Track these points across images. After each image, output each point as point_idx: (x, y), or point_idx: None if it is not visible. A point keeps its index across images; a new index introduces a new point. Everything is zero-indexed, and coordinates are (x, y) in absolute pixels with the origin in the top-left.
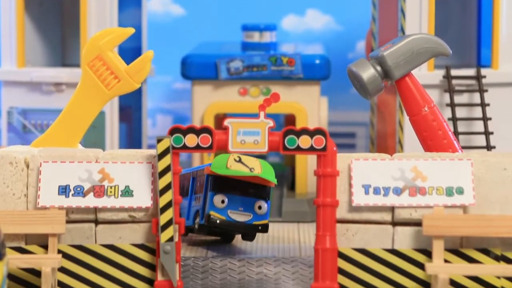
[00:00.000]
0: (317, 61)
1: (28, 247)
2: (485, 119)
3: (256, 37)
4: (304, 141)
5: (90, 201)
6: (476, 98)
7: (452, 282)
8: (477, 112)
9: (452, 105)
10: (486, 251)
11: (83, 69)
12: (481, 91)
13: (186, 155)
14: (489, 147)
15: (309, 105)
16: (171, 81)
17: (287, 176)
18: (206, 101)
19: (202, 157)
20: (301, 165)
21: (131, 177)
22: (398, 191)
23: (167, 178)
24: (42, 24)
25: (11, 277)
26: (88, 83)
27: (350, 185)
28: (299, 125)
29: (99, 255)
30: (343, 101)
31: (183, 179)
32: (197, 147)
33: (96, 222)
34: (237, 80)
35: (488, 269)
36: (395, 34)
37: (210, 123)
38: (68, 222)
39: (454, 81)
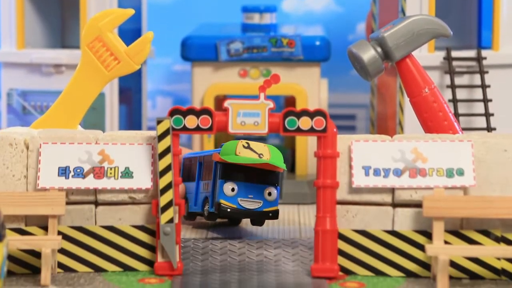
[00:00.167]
0: (317, 43)
1: (28, 229)
2: (485, 100)
3: (256, 19)
4: (304, 123)
5: (90, 182)
6: (477, 79)
7: (452, 263)
8: (478, 93)
9: (453, 86)
10: (486, 233)
11: (82, 51)
12: (482, 72)
13: (186, 137)
14: (489, 128)
15: (309, 87)
16: (171, 63)
17: (287, 158)
18: (206, 83)
19: (202, 139)
20: (301, 147)
21: (131, 159)
22: (398, 173)
23: (167, 159)
24: (41, 6)
25: (11, 258)
26: (87, 65)
27: (350, 167)
28: (299, 107)
29: (99, 237)
30: (343, 83)
31: (190, 163)
32: (197, 129)
33: (96, 203)
34: (237, 62)
35: (488, 250)
36: (396, 15)
37: (210, 104)
38: (68, 203)
39: (454, 63)
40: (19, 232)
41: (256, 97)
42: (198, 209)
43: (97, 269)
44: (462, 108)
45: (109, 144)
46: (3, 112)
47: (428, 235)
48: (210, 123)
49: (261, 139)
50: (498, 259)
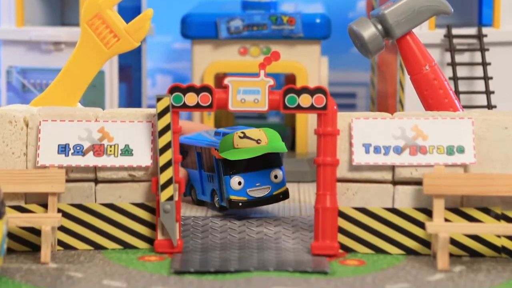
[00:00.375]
0: (318, 20)
1: (28, 206)
2: (486, 78)
3: None
4: (305, 100)
5: (90, 160)
6: (477, 57)
7: (452, 241)
8: (478, 71)
9: (453, 64)
10: (486, 210)
11: (82, 28)
12: (482, 50)
13: (186, 114)
14: (490, 106)
15: (310, 65)
16: (170, 41)
17: (287, 136)
18: (206, 61)
19: (202, 116)
20: (301, 125)
21: (130, 136)
22: (398, 150)
23: (167, 137)
24: None
25: (11, 236)
26: (87, 42)
27: (351, 144)
28: (299, 85)
29: (99, 214)
30: (343, 61)
31: (187, 149)
32: (197, 106)
33: (96, 181)
34: (237, 40)
35: (489, 228)
36: None
37: (210, 82)
38: (67, 181)
39: (455, 40)
40: (19, 210)
41: (256, 75)
42: (208, 199)
43: (97, 246)
44: (462, 86)
45: (109, 122)
46: (3, 89)
47: (428, 212)
48: (210, 100)
49: (261, 117)
50: (498, 236)
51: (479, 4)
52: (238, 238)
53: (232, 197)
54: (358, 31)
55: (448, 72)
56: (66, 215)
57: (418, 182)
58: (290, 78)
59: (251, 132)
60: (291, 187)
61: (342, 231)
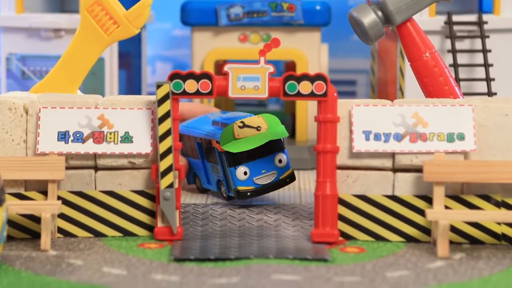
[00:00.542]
0: (318, 7)
1: (28, 193)
2: (486, 65)
3: None
4: (305, 87)
5: (90, 147)
6: (478, 44)
7: (453, 228)
8: (479, 58)
9: (454, 51)
10: (486, 197)
11: (82, 15)
12: (483, 37)
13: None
14: (490, 93)
15: (310, 52)
16: (170, 28)
17: (287, 123)
18: (206, 48)
19: (201, 103)
20: (301, 112)
21: (130, 123)
22: (398, 137)
23: (167, 124)
24: None
25: (10, 223)
26: (87, 29)
27: (351, 131)
28: (299, 72)
29: (99, 202)
30: (343, 48)
31: (186, 139)
32: (197, 93)
33: (96, 168)
34: (237, 27)
35: (489, 215)
36: None
37: (210, 69)
38: (67, 168)
39: (455, 27)
40: (19, 197)
41: (256, 62)
42: (214, 189)
43: (97, 234)
44: (463, 73)
45: (108, 109)
46: (2, 77)
47: (429, 200)
48: (210, 87)
49: (261, 104)
50: (499, 224)
51: None
52: (238, 226)
53: (240, 187)
54: (358, 18)
55: (449, 59)
56: (66, 202)
57: (418, 169)
58: (290, 65)
59: (250, 120)
60: None
61: (342, 218)
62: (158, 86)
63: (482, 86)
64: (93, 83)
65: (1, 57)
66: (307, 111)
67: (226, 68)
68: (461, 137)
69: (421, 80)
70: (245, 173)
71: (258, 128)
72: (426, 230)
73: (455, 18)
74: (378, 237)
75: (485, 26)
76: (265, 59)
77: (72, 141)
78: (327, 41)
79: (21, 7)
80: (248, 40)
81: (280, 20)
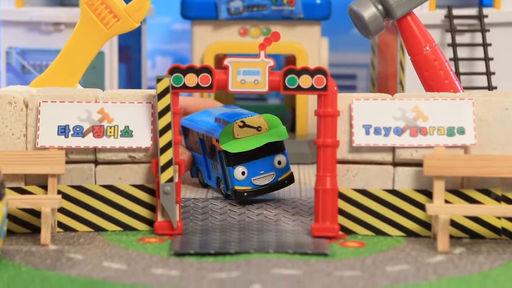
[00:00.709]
0: (318, 1)
1: (28, 188)
2: (486, 59)
3: None
4: (305, 81)
5: (90, 141)
6: (478, 38)
7: (453, 222)
8: (479, 52)
9: (454, 45)
10: (486, 192)
11: (81, 8)
12: (483, 31)
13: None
14: (490, 87)
15: (310, 46)
16: (170, 21)
17: (287, 117)
18: (206, 42)
19: (201, 97)
20: (302, 106)
21: (130, 117)
22: (399, 131)
23: (167, 118)
24: None
25: (10, 217)
26: (87, 23)
27: (351, 125)
28: (299, 66)
29: (99, 196)
30: (343, 42)
31: (190, 133)
32: (197, 87)
33: (96, 162)
34: (237, 20)
35: (489, 209)
36: None
37: (210, 63)
38: (67, 162)
39: (455, 21)
40: (19, 191)
41: (256, 56)
42: (214, 185)
43: (97, 228)
44: (463, 67)
45: (108, 103)
46: (2, 71)
47: (429, 194)
48: (210, 81)
49: (261, 98)
50: (499, 218)
51: None
52: (238, 220)
53: (237, 187)
54: (359, 12)
55: (449, 53)
56: (66, 196)
57: (418, 164)
58: (290, 59)
59: (251, 119)
60: (291, 168)
61: (342, 212)
62: (158, 80)
63: (482, 80)
64: (93, 77)
65: (1, 51)
66: (307, 105)
67: (226, 62)
68: (461, 131)
69: (421, 74)
70: (243, 173)
71: (258, 129)
72: (426, 225)
73: (455, 12)
74: (378, 232)
75: (486, 20)
76: (265, 53)
77: (72, 135)
78: (327, 35)
79: (21, 1)
80: (248, 34)
81: (280, 14)
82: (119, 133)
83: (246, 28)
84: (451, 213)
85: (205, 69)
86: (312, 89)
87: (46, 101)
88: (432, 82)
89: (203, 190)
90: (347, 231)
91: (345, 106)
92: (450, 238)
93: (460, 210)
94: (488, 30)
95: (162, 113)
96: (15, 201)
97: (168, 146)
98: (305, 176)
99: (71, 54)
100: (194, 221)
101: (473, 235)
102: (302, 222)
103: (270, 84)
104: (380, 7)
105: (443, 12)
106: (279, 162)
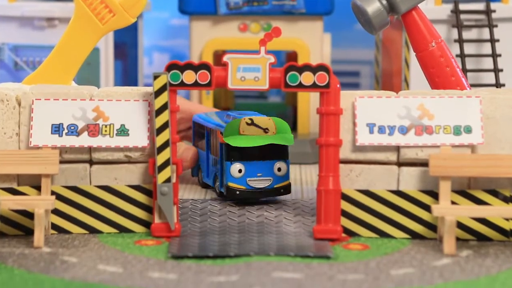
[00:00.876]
0: None
1: (20, 188)
2: (494, 55)
3: None
4: (307, 78)
5: (85, 140)
6: (485, 33)
7: (459, 224)
8: (486, 48)
9: (460, 41)
10: (494, 192)
11: (76, 3)
12: (491, 26)
13: (184, 93)
14: (498, 84)
15: (312, 42)
16: (168, 17)
17: (288, 116)
18: (204, 38)
19: (200, 95)
20: (303, 104)
21: (126, 116)
22: (403, 130)
23: (164, 116)
24: None
25: (2, 219)
26: (81, 18)
27: (354, 124)
28: (301, 62)
29: (94, 197)
30: (347, 37)
31: (198, 129)
32: (195, 84)
33: (91, 162)
34: (236, 15)
35: (497, 211)
36: None
37: (208, 60)
38: (61, 162)
39: (462, 16)
40: (11, 192)
41: (256, 52)
42: (210, 183)
43: (92, 230)
44: (470, 63)
45: (104, 101)
46: None
47: (435, 195)
48: (209, 78)
49: (261, 96)
50: (507, 220)
51: None
52: (238, 222)
53: (230, 184)
54: (362, 6)
55: (455, 49)
56: (60, 197)
57: (424, 163)
58: (292, 56)
59: (260, 119)
60: (293, 168)
61: (345, 214)
62: (155, 77)
63: (489, 77)
64: (88, 74)
65: None
66: (309, 103)
67: (225, 58)
68: (468, 129)
69: (427, 71)
70: (240, 171)
71: (265, 130)
72: (432, 227)
73: (462, 6)
74: (382, 234)
75: (493, 15)
76: (265, 49)
77: (66, 134)
78: (330, 30)
79: None
80: (248, 30)
81: (281, 9)
82: (115, 132)
83: (246, 24)
84: (457, 215)
85: (203, 66)
86: (314, 86)
87: (40, 99)
88: (438, 79)
89: (201, 190)
90: (350, 233)
91: (348, 104)
92: (456, 241)
93: (467, 211)
94: (496, 26)
95: (159, 111)
96: (7, 202)
97: (165, 145)
98: (306, 176)
99: (65, 50)
100: (192, 223)
101: (481, 237)
102: (303, 224)
103: (271, 81)
104: (384, 1)
105: (449, 7)
106: (279, 169)
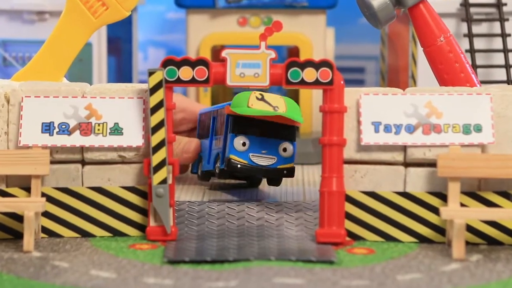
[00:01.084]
0: None
1: (9, 190)
2: (505, 50)
3: None
4: (309, 74)
5: (76, 139)
6: (496, 28)
7: (469, 227)
8: (497, 43)
9: (470, 35)
10: (505, 194)
11: None
12: (502, 20)
13: (181, 90)
14: (509, 81)
15: (314, 36)
16: (164, 10)
17: None
18: (202, 32)
19: (197, 92)
20: (305, 101)
21: (120, 114)
22: (410, 129)
23: (160, 114)
24: None
25: None
26: (73, 11)
27: (359, 122)
28: (303, 58)
29: (86, 199)
30: (351, 32)
31: (205, 119)
32: (192, 81)
33: (83, 162)
34: (236, 9)
35: (508, 213)
36: None
37: (206, 55)
38: (52, 162)
39: (472, 9)
40: (0, 194)
41: (256, 47)
42: (211, 167)
43: (84, 234)
44: (480, 59)
45: (96, 98)
46: None
47: (443, 197)
48: (207, 74)
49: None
50: None
51: None
52: (237, 225)
53: (232, 156)
54: None
55: (465, 44)
56: (50, 199)
57: (432, 164)
58: (293, 51)
59: (271, 96)
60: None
61: (350, 217)
62: (151, 73)
63: (500, 73)
64: (80, 70)
65: None
66: (311, 100)
67: (224, 53)
68: (478, 128)
69: (435, 67)
70: (244, 144)
71: (275, 108)
72: (440, 230)
73: None
74: (388, 237)
75: (504, 8)
76: (266, 44)
77: (57, 133)
78: (333, 24)
79: None
80: (248, 24)
81: (283, 2)
82: (108, 131)
83: (246, 17)
84: (467, 217)
85: (201, 62)
86: (317, 83)
87: (29, 96)
88: (447, 76)
89: (199, 192)
90: (354, 236)
91: (353, 102)
92: (466, 245)
93: (477, 214)
94: (507, 19)
95: (155, 109)
96: None
97: (161, 144)
98: (309, 177)
99: (56, 46)
100: (189, 226)
101: (491, 241)
102: (306, 227)
103: (272, 78)
104: None
105: (458, 0)
106: (285, 150)
